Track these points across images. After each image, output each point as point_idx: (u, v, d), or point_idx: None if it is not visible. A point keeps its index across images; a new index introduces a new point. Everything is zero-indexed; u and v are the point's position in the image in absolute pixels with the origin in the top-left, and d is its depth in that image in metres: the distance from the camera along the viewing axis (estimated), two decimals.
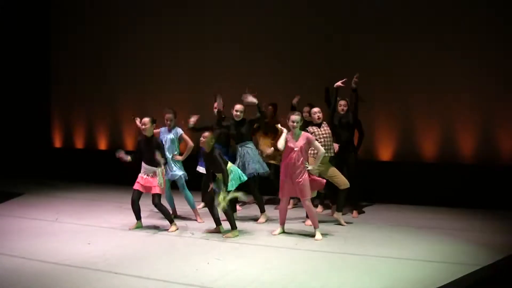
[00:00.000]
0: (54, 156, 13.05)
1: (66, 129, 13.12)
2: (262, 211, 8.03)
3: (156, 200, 7.28)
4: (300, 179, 6.91)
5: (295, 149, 6.93)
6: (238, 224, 7.34)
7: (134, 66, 12.18)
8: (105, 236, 7.13)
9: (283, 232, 7.25)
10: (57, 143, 13.27)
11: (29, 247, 6.48)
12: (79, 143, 12.92)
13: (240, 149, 7.93)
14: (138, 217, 7.51)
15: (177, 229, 7.39)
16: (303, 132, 7.07)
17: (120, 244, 6.70)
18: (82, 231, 7.34)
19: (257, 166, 7.81)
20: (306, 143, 6.96)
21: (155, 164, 7.25)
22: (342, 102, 8.23)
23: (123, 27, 12.35)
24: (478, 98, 9.20)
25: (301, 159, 6.93)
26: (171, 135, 8.03)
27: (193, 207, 8.11)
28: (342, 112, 8.23)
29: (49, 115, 13.33)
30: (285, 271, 5.64)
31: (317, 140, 7.44)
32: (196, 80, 11.41)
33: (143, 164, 7.43)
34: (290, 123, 6.98)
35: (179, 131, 8.08)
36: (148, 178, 7.34)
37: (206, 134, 7.07)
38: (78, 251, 6.31)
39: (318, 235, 6.95)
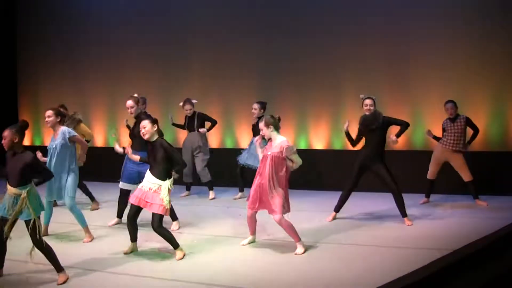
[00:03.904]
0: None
1: (35, 127, 12.96)
2: None
3: (156, 222, 6.01)
4: (273, 194, 6.10)
5: (267, 154, 6.19)
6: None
7: (106, 62, 12.09)
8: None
9: (254, 241, 6.57)
10: (26, 141, 13.09)
11: (16, 249, 6.33)
12: (49, 141, 12.75)
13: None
14: (134, 238, 6.33)
15: (184, 254, 6.11)
16: (284, 139, 6.21)
17: (105, 242, 6.70)
18: (69, 231, 7.31)
19: None
20: (280, 151, 6.12)
21: (164, 176, 6.05)
22: (368, 102, 7.51)
23: (94, 20, 12.24)
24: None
25: (276, 169, 6.11)
26: (59, 140, 6.89)
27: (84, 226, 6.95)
28: (368, 113, 7.57)
29: (17, 114, 13.14)
30: (259, 263, 5.82)
31: (447, 135, 8.20)
32: (168, 76, 11.42)
33: (149, 174, 6.14)
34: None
35: (69, 131, 6.80)
36: (149, 192, 6.04)
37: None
38: (66, 252, 6.22)
39: (299, 249, 6.11)
